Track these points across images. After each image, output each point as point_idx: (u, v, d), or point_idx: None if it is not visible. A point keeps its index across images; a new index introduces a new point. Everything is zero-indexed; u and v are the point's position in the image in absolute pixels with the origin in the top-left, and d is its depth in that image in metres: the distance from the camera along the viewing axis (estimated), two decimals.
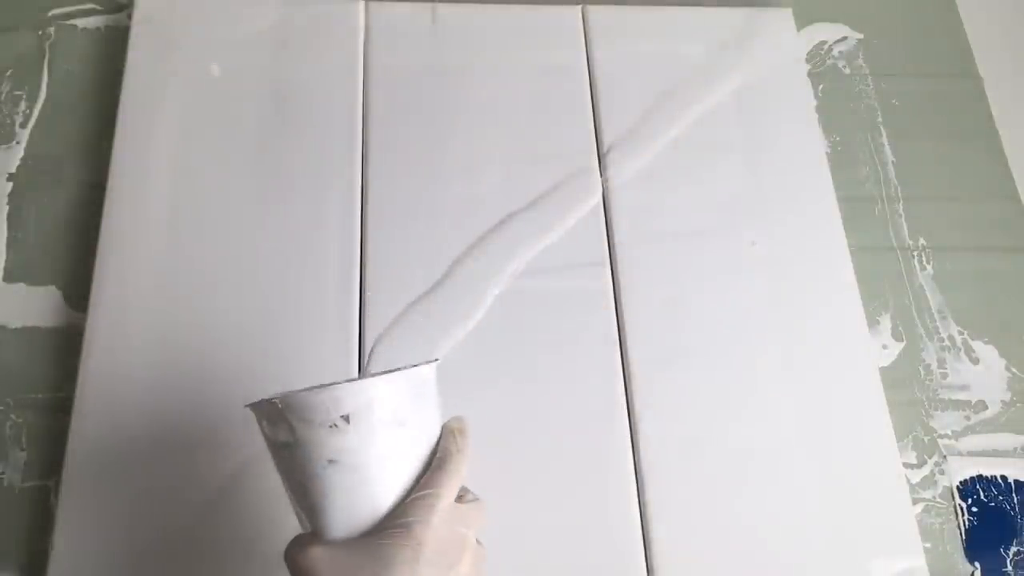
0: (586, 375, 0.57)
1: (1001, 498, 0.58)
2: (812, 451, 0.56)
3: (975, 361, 0.62)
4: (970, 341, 0.63)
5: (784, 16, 0.73)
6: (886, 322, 0.63)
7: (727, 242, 0.62)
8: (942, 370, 0.62)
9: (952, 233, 0.67)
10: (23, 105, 0.66)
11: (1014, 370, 0.62)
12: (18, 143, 0.64)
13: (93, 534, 0.50)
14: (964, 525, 0.57)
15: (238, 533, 0.51)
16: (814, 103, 0.71)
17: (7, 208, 0.62)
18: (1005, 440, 0.60)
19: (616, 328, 0.59)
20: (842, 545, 0.53)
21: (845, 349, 0.59)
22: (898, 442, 0.58)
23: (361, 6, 0.69)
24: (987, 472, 0.59)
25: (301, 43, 0.67)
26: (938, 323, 0.63)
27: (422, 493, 0.37)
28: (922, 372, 0.62)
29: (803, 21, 0.74)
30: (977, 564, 0.56)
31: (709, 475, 0.55)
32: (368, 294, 0.58)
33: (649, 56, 0.69)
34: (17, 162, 0.64)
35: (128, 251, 0.58)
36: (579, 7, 0.71)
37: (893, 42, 0.75)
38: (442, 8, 0.70)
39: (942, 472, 0.58)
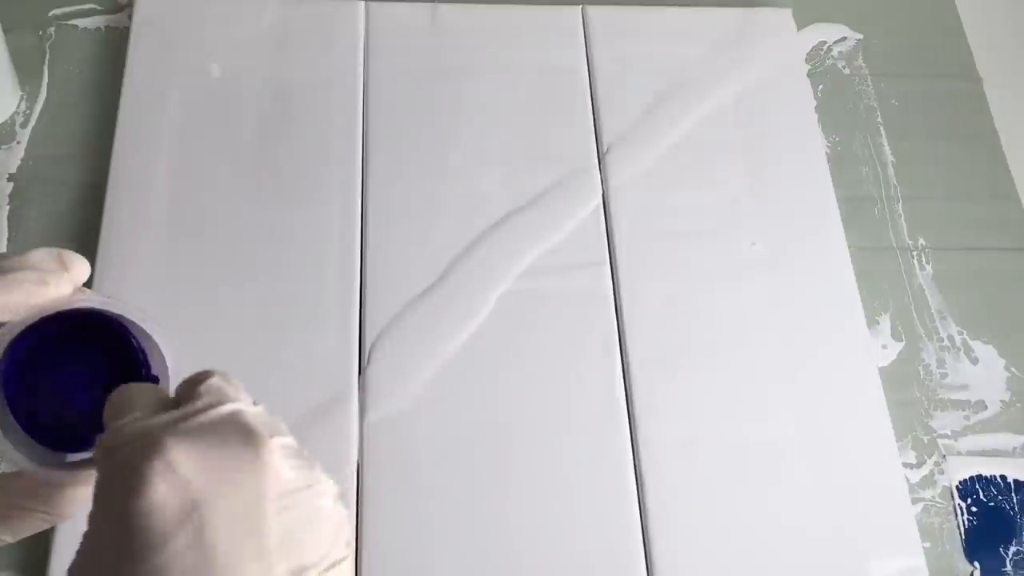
0: (586, 375, 0.57)
1: (1000, 498, 0.58)
2: (812, 451, 0.56)
3: (974, 361, 0.62)
4: (969, 341, 0.63)
5: (784, 16, 0.73)
6: (886, 322, 0.63)
7: (727, 242, 0.62)
8: (942, 370, 0.62)
9: (952, 233, 0.67)
10: (23, 105, 0.66)
11: (1013, 370, 0.62)
12: (18, 143, 0.64)
13: None
14: (963, 525, 0.57)
15: None
16: (814, 103, 0.71)
17: (7, 208, 0.62)
18: (1004, 440, 0.60)
19: (616, 328, 0.59)
20: (842, 545, 0.53)
21: (845, 349, 0.59)
22: (898, 442, 0.58)
23: (361, 6, 0.69)
24: (986, 472, 0.59)
25: (301, 43, 0.67)
26: (937, 323, 0.63)
27: None
28: (922, 372, 0.62)
29: (803, 21, 0.74)
30: (977, 564, 0.56)
31: (709, 475, 0.55)
32: (368, 294, 0.59)
33: (649, 56, 0.69)
34: (17, 162, 0.64)
35: (128, 251, 0.58)
36: (579, 7, 0.71)
37: (893, 42, 0.75)
38: (442, 8, 0.70)
39: (941, 472, 0.58)
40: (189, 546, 0.23)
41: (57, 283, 0.28)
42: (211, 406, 0.26)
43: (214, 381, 0.27)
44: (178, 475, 0.23)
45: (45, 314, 0.28)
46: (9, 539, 0.29)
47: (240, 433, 0.25)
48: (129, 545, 0.23)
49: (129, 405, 0.26)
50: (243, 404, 0.26)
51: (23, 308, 0.27)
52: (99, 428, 0.27)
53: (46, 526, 0.29)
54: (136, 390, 0.27)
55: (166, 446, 0.24)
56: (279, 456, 0.25)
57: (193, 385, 0.27)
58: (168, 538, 0.23)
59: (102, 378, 0.30)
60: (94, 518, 0.25)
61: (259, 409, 0.27)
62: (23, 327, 0.27)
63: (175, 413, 0.25)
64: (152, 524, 0.23)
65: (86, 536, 0.25)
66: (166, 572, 0.23)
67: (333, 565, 0.25)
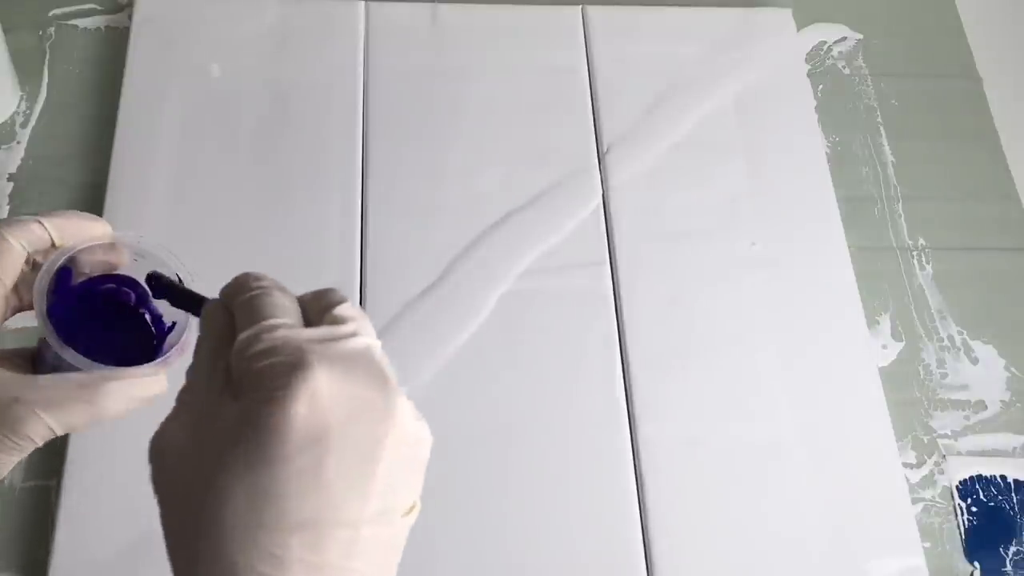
0: (586, 375, 0.57)
1: (1000, 498, 0.58)
2: (812, 451, 0.56)
3: (974, 361, 0.62)
4: (969, 341, 0.63)
5: (784, 16, 0.73)
6: (886, 322, 0.63)
7: (727, 242, 0.62)
8: (942, 370, 0.62)
9: (952, 233, 0.67)
10: (23, 105, 0.66)
11: (1013, 370, 0.62)
12: (18, 143, 0.64)
13: (93, 534, 0.50)
14: (963, 525, 0.57)
15: None
16: (814, 103, 0.71)
17: (7, 208, 0.62)
18: (1004, 440, 0.60)
19: (616, 328, 0.59)
20: (842, 545, 0.53)
21: (845, 349, 0.59)
22: (898, 442, 0.58)
23: (361, 6, 0.69)
24: (986, 472, 0.59)
25: (301, 43, 0.67)
26: (937, 323, 0.63)
27: None
28: (922, 372, 0.62)
29: (803, 21, 0.74)
30: (977, 564, 0.56)
31: (709, 475, 0.55)
32: (368, 294, 0.58)
33: (649, 56, 0.69)
34: (17, 162, 0.64)
35: None
36: (579, 7, 0.71)
37: (893, 42, 0.75)
38: (442, 8, 0.70)
39: (941, 472, 0.58)
40: (307, 469, 0.24)
41: (102, 223, 0.33)
42: (352, 335, 0.27)
43: (349, 307, 0.28)
44: (320, 400, 0.24)
45: (91, 243, 0.33)
46: (58, 430, 0.30)
47: (376, 373, 0.26)
48: (250, 447, 0.24)
49: (273, 309, 0.26)
50: (374, 339, 0.27)
51: (74, 236, 0.32)
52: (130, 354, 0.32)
53: (88, 418, 0.31)
54: (282, 296, 0.27)
55: (315, 369, 0.24)
56: (404, 405, 0.26)
57: (327, 304, 0.27)
58: (293, 456, 0.24)
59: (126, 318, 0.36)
60: (210, 402, 0.26)
61: (380, 345, 0.28)
62: (72, 252, 0.33)
63: (321, 332, 0.26)
64: (283, 439, 0.24)
65: (193, 411, 0.26)
66: (277, 485, 0.23)
67: (410, 511, 0.26)
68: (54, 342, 0.32)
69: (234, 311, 0.27)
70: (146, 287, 0.35)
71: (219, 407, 0.25)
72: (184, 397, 0.27)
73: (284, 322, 0.26)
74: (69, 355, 0.32)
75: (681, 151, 0.66)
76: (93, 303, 0.35)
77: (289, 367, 0.24)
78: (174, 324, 0.35)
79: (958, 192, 0.69)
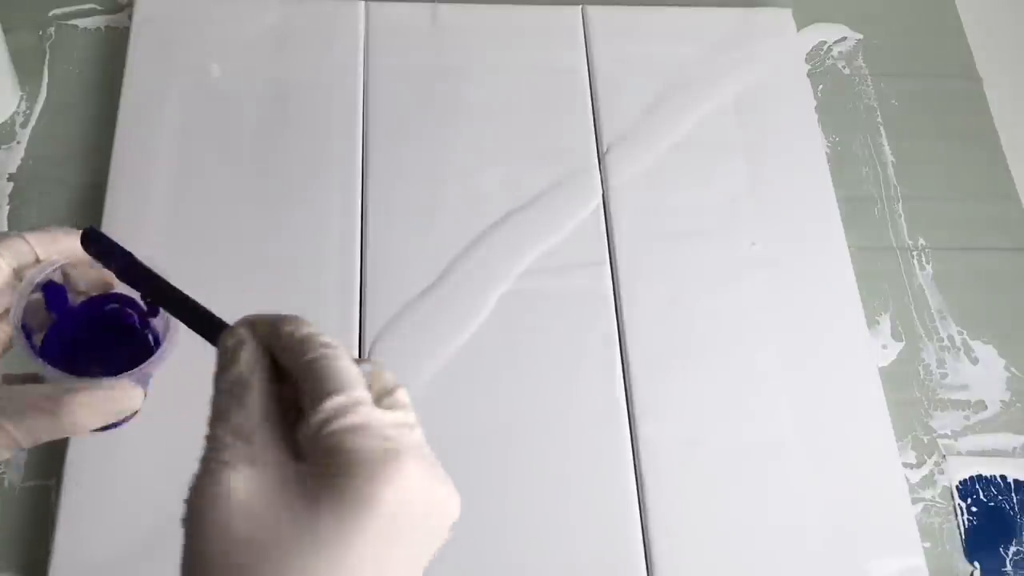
0: (586, 375, 0.57)
1: (1000, 498, 0.58)
2: (812, 451, 0.56)
3: (974, 361, 0.62)
4: (969, 341, 0.63)
5: (784, 16, 0.73)
6: (886, 322, 0.63)
7: (727, 242, 0.62)
8: (942, 370, 0.62)
9: (952, 233, 0.67)
10: (23, 105, 0.66)
11: (1013, 370, 0.62)
12: (18, 143, 0.64)
13: (93, 534, 0.50)
14: (963, 525, 0.57)
15: None
16: (814, 103, 0.71)
17: (7, 208, 0.62)
18: (1004, 440, 0.60)
19: (616, 328, 0.59)
20: (841, 545, 0.53)
21: (845, 349, 0.59)
22: (898, 442, 0.58)
23: (361, 6, 0.69)
24: (986, 472, 0.59)
25: (301, 43, 0.67)
26: (937, 323, 0.63)
27: None
28: (922, 372, 0.62)
29: (803, 21, 0.74)
30: (977, 564, 0.56)
31: (709, 475, 0.55)
32: (368, 294, 0.58)
33: (649, 56, 0.69)
34: (17, 162, 0.64)
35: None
36: (579, 7, 0.71)
37: (893, 42, 0.75)
38: (442, 8, 0.70)
39: (941, 472, 0.58)
40: (380, 555, 0.24)
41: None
42: (416, 425, 0.27)
43: (405, 393, 0.28)
44: (407, 491, 0.24)
45: (75, 258, 0.35)
46: (23, 443, 0.31)
47: (442, 471, 0.26)
48: (333, 522, 0.24)
49: (355, 380, 0.26)
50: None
51: (58, 251, 0.34)
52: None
53: (53, 430, 0.31)
54: (352, 364, 0.27)
55: (407, 459, 0.25)
56: (458, 502, 0.26)
57: (386, 387, 0.27)
58: (372, 540, 0.24)
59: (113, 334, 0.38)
60: (277, 461, 0.25)
61: None
62: (56, 267, 0.34)
63: (398, 418, 0.26)
64: (369, 522, 0.24)
65: (255, 465, 0.25)
66: (353, 565, 0.23)
67: None
68: (27, 352, 0.32)
69: (298, 368, 0.26)
70: (143, 305, 0.36)
71: (290, 469, 0.25)
72: (235, 443, 0.26)
73: (367, 397, 0.26)
74: (42, 366, 0.32)
75: (681, 151, 0.66)
76: (97, 323, 0.36)
77: (384, 452, 0.24)
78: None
79: (958, 192, 0.69)
